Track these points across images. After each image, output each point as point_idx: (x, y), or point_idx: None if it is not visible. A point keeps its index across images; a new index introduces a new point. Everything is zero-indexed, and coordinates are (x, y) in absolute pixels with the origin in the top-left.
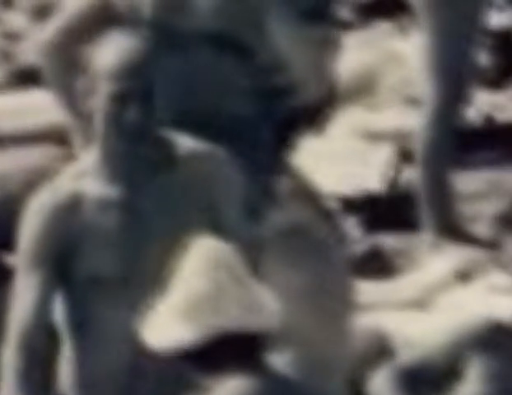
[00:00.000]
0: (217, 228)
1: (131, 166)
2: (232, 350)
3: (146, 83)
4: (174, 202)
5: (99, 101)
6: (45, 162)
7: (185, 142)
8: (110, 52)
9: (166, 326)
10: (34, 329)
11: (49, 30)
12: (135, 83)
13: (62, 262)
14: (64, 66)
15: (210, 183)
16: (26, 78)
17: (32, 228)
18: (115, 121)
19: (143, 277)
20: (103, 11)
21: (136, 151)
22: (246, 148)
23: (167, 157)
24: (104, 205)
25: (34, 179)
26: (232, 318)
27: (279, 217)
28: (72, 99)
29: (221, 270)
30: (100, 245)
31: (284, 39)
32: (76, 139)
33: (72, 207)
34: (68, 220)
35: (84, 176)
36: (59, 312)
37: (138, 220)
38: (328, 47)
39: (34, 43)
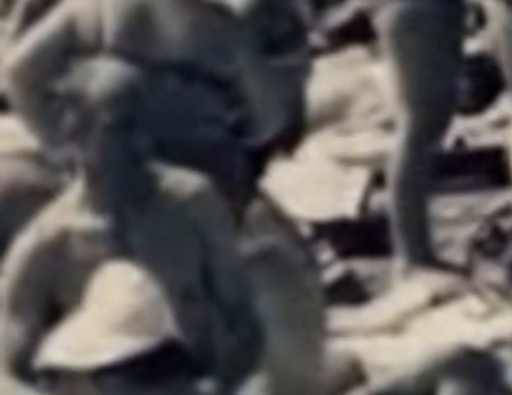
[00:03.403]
0: (208, 264)
1: (119, 197)
2: (171, 360)
3: (141, 108)
4: (163, 235)
5: (95, 132)
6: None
7: (171, 174)
8: (103, 81)
9: (107, 338)
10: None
11: (14, 57)
12: (131, 109)
13: (52, 297)
14: (28, 93)
15: (199, 217)
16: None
17: (16, 274)
18: (116, 149)
19: None
20: (67, 40)
21: (127, 182)
22: (218, 175)
23: (154, 189)
24: (92, 238)
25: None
26: (172, 327)
27: (250, 243)
28: (37, 124)
29: (150, 288)
30: (89, 279)
31: (253, 69)
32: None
33: (58, 245)
34: (55, 259)
35: (70, 210)
36: None
37: (127, 252)
38: (299, 74)
39: (1, 69)
